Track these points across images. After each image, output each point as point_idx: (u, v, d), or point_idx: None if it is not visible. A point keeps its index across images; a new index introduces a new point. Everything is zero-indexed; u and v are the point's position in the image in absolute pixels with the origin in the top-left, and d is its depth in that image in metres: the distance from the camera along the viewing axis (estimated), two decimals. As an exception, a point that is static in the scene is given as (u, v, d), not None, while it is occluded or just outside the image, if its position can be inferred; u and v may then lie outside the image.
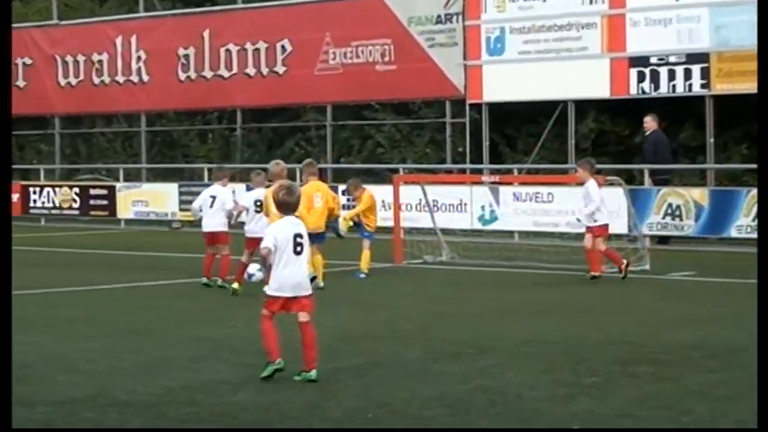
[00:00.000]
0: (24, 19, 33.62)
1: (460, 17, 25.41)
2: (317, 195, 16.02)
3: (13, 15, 34.21)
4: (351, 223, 17.62)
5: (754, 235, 17.89)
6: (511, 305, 14.36)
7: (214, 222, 16.14)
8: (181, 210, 26.89)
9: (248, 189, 18.54)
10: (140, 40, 30.48)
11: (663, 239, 21.56)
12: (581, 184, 17.28)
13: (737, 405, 8.36)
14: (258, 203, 15.51)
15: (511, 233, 23.27)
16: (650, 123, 22.54)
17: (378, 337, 11.71)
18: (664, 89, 22.71)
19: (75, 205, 29.44)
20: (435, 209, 21.93)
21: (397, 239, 19.58)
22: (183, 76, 29.89)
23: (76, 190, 29.64)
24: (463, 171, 25.52)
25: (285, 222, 9.73)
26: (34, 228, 28.46)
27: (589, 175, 16.86)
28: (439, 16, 25.80)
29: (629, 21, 22.99)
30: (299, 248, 9.58)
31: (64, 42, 31.78)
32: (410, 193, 22.01)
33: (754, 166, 15.61)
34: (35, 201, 30.25)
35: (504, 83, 24.75)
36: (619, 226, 20.43)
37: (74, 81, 31.67)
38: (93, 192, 29.26)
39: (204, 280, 15.79)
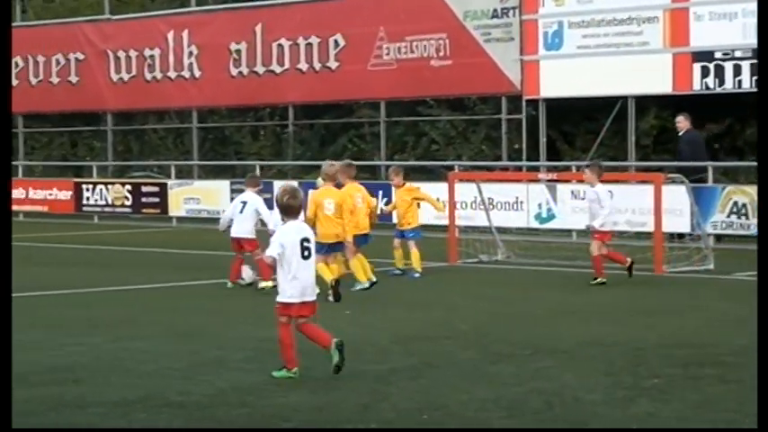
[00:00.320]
0: (76, 13, 33.98)
1: (517, 11, 25.33)
2: (357, 197, 16.05)
3: (64, 9, 34.72)
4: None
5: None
6: (568, 306, 14.30)
7: (241, 229, 16.17)
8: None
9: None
10: (192, 35, 30.69)
11: (718, 238, 21.34)
12: (584, 183, 17.13)
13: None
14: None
15: (568, 232, 23.16)
16: (683, 123, 22.48)
17: (433, 338, 11.71)
18: (729, 85, 22.49)
19: (128, 203, 29.70)
20: (491, 207, 21.89)
21: (452, 238, 19.57)
22: (234, 71, 30.05)
23: (129, 187, 29.90)
24: (519, 168, 25.44)
25: (291, 227, 9.83)
26: (87, 225, 28.76)
27: (597, 178, 16.63)
28: (495, 10, 25.73)
29: (692, 15, 22.79)
30: (306, 253, 9.69)
31: (116, 37, 32.07)
32: (465, 191, 22.00)
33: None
34: (88, 198, 30.56)
35: (562, 78, 24.65)
36: (682, 225, 20.28)
37: (126, 77, 31.94)
38: (145, 189, 29.52)
39: (229, 284, 15.89)
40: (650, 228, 18.79)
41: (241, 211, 16.22)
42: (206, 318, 13.45)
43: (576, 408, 8.49)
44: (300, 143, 29.88)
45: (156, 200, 29.20)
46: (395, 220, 18.06)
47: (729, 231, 21.16)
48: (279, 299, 9.75)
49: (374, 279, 15.68)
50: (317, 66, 28.64)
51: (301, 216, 15.65)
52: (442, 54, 26.63)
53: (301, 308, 9.71)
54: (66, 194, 31.09)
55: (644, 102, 24.19)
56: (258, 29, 29.55)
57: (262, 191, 17.26)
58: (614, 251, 16.78)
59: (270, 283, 14.80)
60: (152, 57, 31.43)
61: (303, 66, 28.89)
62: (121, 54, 31.94)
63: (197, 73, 30.76)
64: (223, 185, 27.87)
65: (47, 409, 8.44)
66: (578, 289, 15.90)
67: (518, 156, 25.86)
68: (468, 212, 22.56)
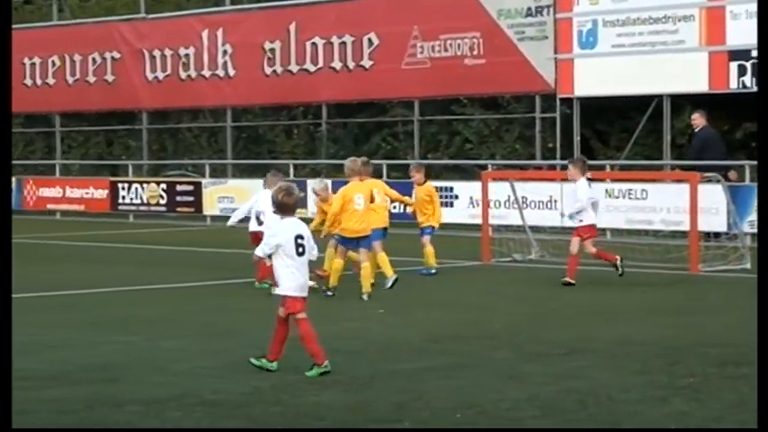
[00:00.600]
0: (112, 12, 34.15)
1: (551, 10, 25.27)
2: (375, 192, 16.17)
3: (101, 9, 34.92)
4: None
5: None
6: (602, 305, 14.26)
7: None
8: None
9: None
10: (226, 34, 30.79)
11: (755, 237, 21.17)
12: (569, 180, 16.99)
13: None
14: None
15: (603, 231, 23.08)
16: (699, 120, 22.45)
17: (466, 337, 11.71)
18: (766, 83, 22.32)
19: (163, 202, 29.85)
20: (524, 206, 21.84)
21: (485, 237, 19.55)
22: (268, 70, 30.13)
23: (164, 186, 30.05)
24: (553, 167, 25.37)
25: (287, 224, 9.94)
26: (123, 224, 28.92)
27: (580, 173, 16.49)
28: (529, 9, 25.67)
29: (728, 13, 22.66)
30: (300, 249, 9.82)
31: (151, 36, 32.22)
32: (499, 190, 21.95)
33: None
34: (123, 197, 30.74)
35: (597, 77, 24.57)
36: (718, 224, 20.17)
37: (161, 75, 32.08)
38: (179, 188, 29.66)
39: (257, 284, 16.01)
40: (686, 227, 18.71)
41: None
42: (240, 316, 13.52)
43: (610, 407, 8.48)
44: (334, 142, 29.92)
45: (191, 198, 29.34)
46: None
47: None
48: (283, 293, 9.86)
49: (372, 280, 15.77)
50: (351, 65, 28.68)
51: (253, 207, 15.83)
52: (475, 53, 26.60)
53: (302, 302, 9.90)
54: (102, 193, 31.29)
55: (679, 100, 24.07)
56: (292, 28, 29.62)
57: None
58: (602, 250, 16.52)
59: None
60: (187, 56, 31.56)
61: (337, 65, 28.93)
62: (156, 53, 32.08)
63: (231, 72, 30.87)
64: (257, 184, 27.74)
65: (84, 407, 8.50)
66: (612, 288, 15.85)
67: (552, 154, 25.80)
68: (501, 211, 22.52)
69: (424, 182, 18.06)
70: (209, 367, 10.09)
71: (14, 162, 35.02)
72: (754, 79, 22.34)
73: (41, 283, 16.67)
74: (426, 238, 17.47)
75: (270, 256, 9.96)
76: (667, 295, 15.18)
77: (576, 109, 25.12)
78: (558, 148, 25.50)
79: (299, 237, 9.84)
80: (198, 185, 29.32)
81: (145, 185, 30.44)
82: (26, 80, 34.59)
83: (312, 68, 29.39)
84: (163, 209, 29.90)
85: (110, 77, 33.02)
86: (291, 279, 9.81)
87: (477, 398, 8.77)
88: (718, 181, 19.11)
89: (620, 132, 25.42)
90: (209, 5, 32.77)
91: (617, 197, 22.88)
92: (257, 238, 16.22)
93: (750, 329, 12.04)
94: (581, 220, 16.32)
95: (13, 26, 35.50)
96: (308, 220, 15.29)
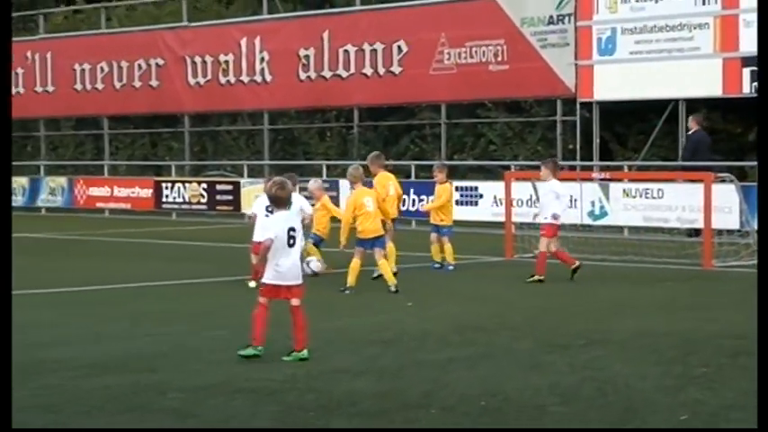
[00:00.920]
0: (156, 21, 34.33)
1: (572, 18, 25.21)
2: (389, 185, 16.35)
3: (146, 17, 35.10)
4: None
5: None
6: (621, 299, 14.22)
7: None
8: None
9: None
10: (264, 42, 30.88)
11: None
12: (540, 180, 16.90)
13: None
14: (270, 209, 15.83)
15: (620, 228, 23.04)
16: (693, 124, 22.76)
17: (490, 329, 11.71)
18: (777, 88, 22.20)
19: (203, 200, 29.98)
20: (546, 204, 21.76)
21: (508, 234, 19.53)
22: (303, 75, 30.20)
23: (204, 186, 30.17)
24: (573, 168, 25.31)
25: (280, 217, 10.08)
26: (166, 222, 29.07)
27: (551, 174, 16.35)
28: (551, 17, 25.62)
29: (742, 21, 22.53)
30: (291, 241, 9.96)
31: (193, 44, 32.35)
32: (521, 190, 21.95)
33: None
34: (167, 196, 30.89)
35: (615, 82, 24.50)
36: (731, 222, 20.08)
37: (202, 81, 32.21)
38: (219, 187, 29.78)
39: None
40: (700, 225, 18.63)
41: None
42: (276, 309, 13.53)
43: (628, 395, 8.46)
44: (365, 144, 29.93)
45: (230, 197, 29.44)
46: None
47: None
48: (265, 281, 10.03)
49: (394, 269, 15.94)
50: (381, 70, 28.70)
51: (298, 205, 15.83)
52: (499, 59, 26.56)
53: (289, 291, 10.02)
54: (146, 192, 31.44)
55: (694, 104, 23.95)
56: (325, 35, 29.67)
57: (300, 189, 17.46)
58: (562, 251, 16.31)
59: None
60: (226, 62, 31.66)
61: (368, 70, 28.96)
62: (198, 60, 32.21)
63: (268, 77, 30.95)
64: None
65: (131, 394, 8.55)
66: (629, 283, 15.81)
67: (572, 156, 25.74)
68: (523, 209, 22.48)
69: (446, 181, 18.01)
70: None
71: (66, 163, 35.37)
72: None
73: (91, 278, 16.79)
74: (445, 238, 17.43)
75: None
76: (682, 290, 15.12)
77: (595, 112, 25.05)
78: (578, 149, 25.43)
79: (291, 229, 10.01)
80: (236, 185, 29.41)
81: (187, 185, 30.57)
82: (77, 85, 34.79)
83: (344, 74, 29.43)
84: (204, 207, 30.02)
85: (154, 83, 33.17)
86: (277, 267, 9.93)
87: (501, 386, 8.77)
88: (731, 181, 19.01)
89: (637, 134, 25.33)
90: (247, 14, 32.87)
91: (634, 196, 22.81)
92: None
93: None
94: (545, 218, 16.10)
95: (65, 34, 35.90)
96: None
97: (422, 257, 17.83)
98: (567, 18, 25.37)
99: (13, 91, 36.15)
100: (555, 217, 16.04)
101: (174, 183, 30.93)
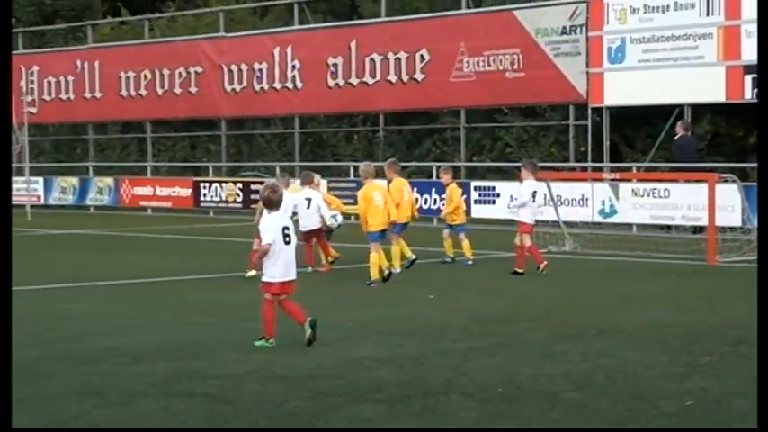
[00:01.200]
0: (196, 31, 34.41)
1: (584, 28, 25.12)
2: (404, 190, 16.49)
3: (186, 28, 35.21)
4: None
5: None
6: (630, 292, 14.15)
7: (312, 222, 16.44)
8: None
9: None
10: (295, 51, 30.90)
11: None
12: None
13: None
14: (308, 200, 16.32)
15: (629, 226, 22.95)
16: (679, 129, 22.96)
17: (507, 320, 11.68)
18: (777, 94, 22.06)
19: (239, 199, 30.06)
20: (559, 203, 21.73)
21: (524, 231, 19.44)
22: (332, 82, 30.21)
23: (240, 185, 30.24)
24: (585, 169, 25.22)
25: (274, 218, 10.18)
26: (204, 219, 29.15)
27: (530, 175, 16.28)
28: (564, 28, 25.53)
29: (744, 32, 22.39)
30: (287, 239, 10.08)
31: (229, 53, 32.40)
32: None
33: None
34: (205, 195, 30.99)
35: (624, 88, 24.41)
36: (734, 220, 19.97)
37: (237, 88, 32.26)
38: (253, 187, 29.79)
39: (309, 269, 16.17)
40: (704, 222, 18.53)
41: (308, 207, 16.45)
42: (308, 300, 13.54)
43: (637, 382, 8.42)
44: (390, 146, 29.92)
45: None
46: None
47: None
48: (263, 279, 10.15)
49: (413, 256, 16.24)
50: (405, 77, 28.67)
51: (293, 204, 15.94)
52: (515, 67, 26.49)
53: (283, 286, 10.12)
54: (186, 192, 31.54)
55: (699, 109, 23.83)
56: (353, 45, 29.67)
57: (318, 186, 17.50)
58: (536, 249, 16.17)
59: (254, 273, 15.09)
60: (260, 70, 31.70)
61: (393, 77, 28.94)
62: (234, 68, 32.26)
63: (299, 84, 30.97)
64: (321, 183, 27.95)
65: (172, 381, 8.57)
66: (638, 277, 15.74)
67: (584, 157, 25.64)
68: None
69: (452, 182, 17.92)
70: (280, 345, 10.12)
71: (113, 164, 35.52)
72: (766, 90, 22.07)
73: (135, 271, 16.86)
74: (462, 235, 17.41)
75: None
76: (687, 283, 15.04)
77: (605, 117, 24.96)
78: (590, 152, 25.34)
79: (286, 228, 10.14)
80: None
81: (223, 185, 30.65)
82: (122, 92, 34.92)
83: (370, 81, 29.42)
84: (239, 205, 30.08)
85: (193, 89, 33.26)
86: (276, 268, 10.05)
87: (517, 374, 8.75)
88: (733, 181, 18.90)
89: (645, 138, 25.21)
90: (280, 25, 32.91)
91: (642, 196, 22.73)
92: (311, 235, 16.43)
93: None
94: (519, 216, 16.14)
95: (112, 44, 36.03)
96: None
97: (443, 253, 17.80)
98: (579, 29, 25.28)
99: (64, 97, 36.39)
100: (519, 209, 16.15)
101: (211, 183, 31.01)
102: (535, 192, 16.22)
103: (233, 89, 32.36)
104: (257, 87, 31.78)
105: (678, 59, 23.55)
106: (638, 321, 11.47)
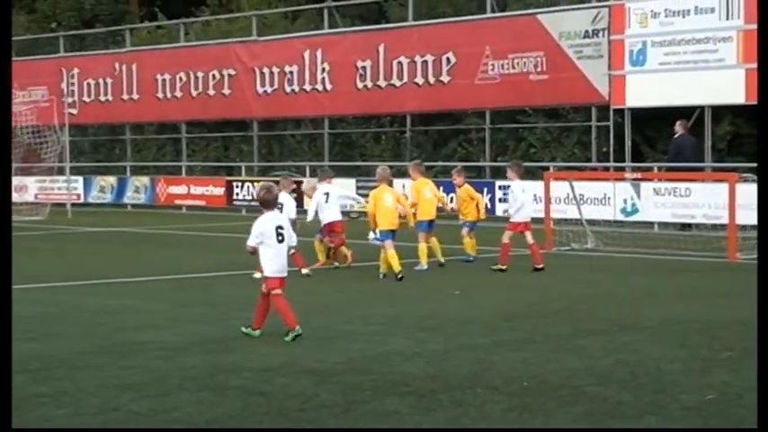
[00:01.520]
0: (229, 35, 34.49)
1: (606, 32, 25.01)
2: (426, 189, 16.56)
3: (219, 32, 35.31)
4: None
5: None
6: (651, 289, 14.08)
7: (331, 214, 16.47)
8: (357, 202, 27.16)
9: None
10: (325, 54, 30.93)
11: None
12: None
13: None
14: (326, 194, 16.47)
15: (651, 224, 22.83)
16: (678, 128, 23.07)
17: (531, 315, 11.64)
18: (797, 97, 21.88)
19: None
20: (582, 202, 21.66)
21: (547, 229, 19.42)
22: (360, 85, 30.21)
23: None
24: (607, 169, 25.12)
25: (268, 217, 10.34)
26: (236, 217, 29.20)
27: (516, 176, 16.30)
28: (587, 31, 25.43)
29: (764, 35, 22.24)
30: (280, 238, 10.24)
31: (261, 56, 32.46)
32: (559, 189, 21.82)
33: None
34: (237, 194, 31.08)
35: (646, 90, 24.29)
36: (754, 218, 19.80)
37: (269, 90, 32.33)
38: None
39: (335, 264, 16.18)
40: (725, 221, 18.41)
41: (326, 201, 16.50)
42: (339, 296, 13.59)
43: (658, 377, 8.37)
44: (416, 147, 29.90)
45: (294, 195, 29.41)
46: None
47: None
48: (266, 274, 10.32)
49: (442, 261, 16.20)
50: (432, 80, 28.64)
51: (287, 205, 16.00)
52: (539, 69, 26.40)
53: (283, 281, 10.31)
54: (219, 191, 31.64)
55: (719, 110, 23.67)
56: (381, 48, 29.66)
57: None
58: (507, 249, 16.00)
59: (308, 271, 15.33)
60: (291, 72, 31.74)
61: (419, 80, 28.91)
62: (266, 70, 32.32)
63: (329, 86, 31.00)
64: (350, 183, 28.00)
65: (206, 374, 8.60)
66: (659, 274, 15.65)
67: (606, 157, 25.52)
68: (561, 206, 22.36)
69: (463, 184, 17.86)
70: (311, 340, 10.13)
71: (149, 164, 35.69)
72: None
73: (171, 267, 16.93)
74: (465, 231, 17.36)
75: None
76: (708, 280, 14.94)
77: (627, 118, 24.83)
78: (612, 152, 25.22)
79: (279, 227, 10.29)
80: (299, 184, 29.42)
81: (255, 184, 30.67)
82: (158, 93, 35.07)
83: (398, 83, 29.40)
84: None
85: (227, 91, 33.35)
86: (273, 263, 10.22)
87: (541, 368, 8.72)
88: (753, 180, 18.74)
89: (666, 138, 25.04)
90: (310, 29, 32.95)
91: (663, 195, 22.61)
92: (332, 227, 16.48)
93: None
94: (507, 212, 16.24)
95: (148, 47, 36.18)
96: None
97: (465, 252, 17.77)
98: (601, 32, 25.17)
99: (103, 99, 36.57)
100: (509, 212, 16.23)
101: (243, 182, 31.09)
102: (524, 190, 16.34)
103: (265, 91, 32.43)
104: (288, 89, 31.83)
105: (698, 62, 23.40)
106: (659, 317, 11.40)
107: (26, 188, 35.37)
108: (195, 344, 9.98)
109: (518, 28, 26.76)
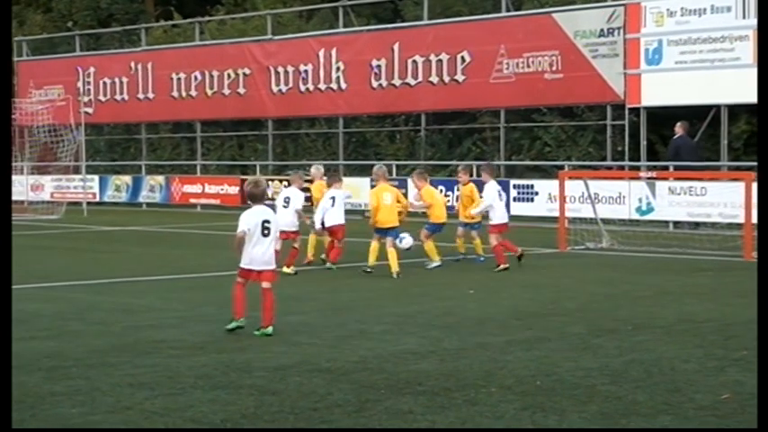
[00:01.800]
0: (244, 34, 34.57)
1: (622, 31, 24.95)
2: (436, 194, 17.09)
3: (235, 31, 35.38)
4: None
5: None
6: (666, 288, 14.03)
7: (335, 217, 16.46)
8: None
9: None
10: (339, 53, 30.95)
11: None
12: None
13: None
14: (332, 198, 16.44)
15: (665, 223, 22.77)
16: (677, 129, 23.21)
17: (545, 314, 11.62)
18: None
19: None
20: (596, 201, 21.62)
21: (561, 228, 19.38)
22: (375, 84, 30.22)
23: (285, 183, 30.24)
24: (622, 168, 25.07)
25: (255, 211, 10.51)
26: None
27: (490, 177, 16.34)
28: (602, 30, 25.37)
29: (780, 34, 22.14)
30: (266, 231, 10.40)
31: (276, 55, 32.52)
32: (574, 188, 21.78)
33: None
34: (251, 192, 31.08)
35: (661, 89, 24.23)
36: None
37: (284, 89, 32.38)
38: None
39: (332, 266, 16.23)
40: (741, 220, 18.33)
41: (333, 205, 16.51)
42: (352, 296, 13.59)
43: (673, 376, 8.34)
44: (431, 146, 29.90)
45: (308, 194, 29.44)
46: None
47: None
48: (240, 264, 10.51)
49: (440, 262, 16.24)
50: (446, 79, 28.62)
51: (294, 197, 16.28)
52: (554, 68, 26.36)
53: (259, 275, 10.43)
54: (234, 189, 31.69)
55: (736, 110, 23.58)
56: (396, 47, 29.66)
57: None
58: (508, 241, 16.28)
59: (290, 270, 15.39)
60: (306, 71, 31.78)
61: (434, 79, 28.90)
62: (281, 69, 32.37)
63: (343, 85, 31.02)
64: (364, 182, 28.03)
65: (219, 373, 8.60)
66: (674, 273, 15.60)
67: (621, 156, 25.47)
68: (576, 205, 22.32)
69: (468, 182, 17.80)
70: (324, 339, 10.14)
71: (164, 163, 35.78)
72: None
73: (186, 266, 16.96)
74: (474, 232, 17.34)
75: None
76: (723, 279, 14.88)
77: (642, 117, 24.77)
78: (627, 151, 25.17)
79: (266, 221, 10.45)
80: (311, 182, 29.42)
81: (270, 183, 30.70)
82: (173, 92, 35.16)
83: (412, 82, 29.40)
84: (284, 203, 30.07)
85: (242, 90, 33.41)
86: (249, 254, 10.39)
87: (555, 367, 8.69)
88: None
89: (682, 137, 24.98)
90: (325, 28, 32.98)
91: (679, 194, 22.54)
92: (333, 230, 16.48)
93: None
94: (490, 219, 16.17)
95: (164, 46, 36.29)
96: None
97: (483, 249, 17.75)
98: (616, 31, 25.11)
99: (118, 98, 36.70)
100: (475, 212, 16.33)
101: (258, 181, 31.08)
102: (499, 191, 16.33)
103: (279, 90, 32.47)
104: (303, 88, 31.87)
105: (714, 61, 23.32)
106: (674, 315, 11.37)
107: (42, 187, 35.52)
108: (209, 343, 9.99)
109: (533, 27, 26.72)
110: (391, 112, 30.53)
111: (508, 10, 27.78)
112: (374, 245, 15.76)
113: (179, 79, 34.93)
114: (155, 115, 35.95)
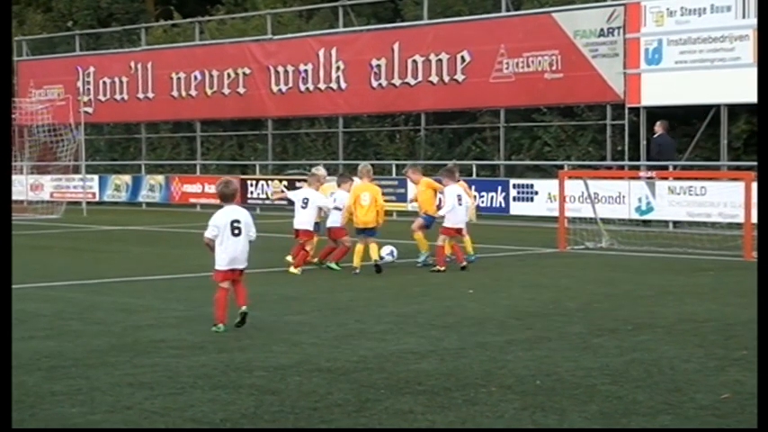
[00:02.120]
0: (244, 34, 34.59)
1: (622, 30, 24.95)
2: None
3: (235, 31, 35.39)
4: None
5: None
6: (666, 287, 14.02)
7: (334, 220, 16.47)
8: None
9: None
10: (339, 53, 30.96)
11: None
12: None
13: None
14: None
15: (665, 223, 22.76)
16: (658, 128, 23.42)
17: (545, 314, 11.61)
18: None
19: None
20: (596, 200, 21.61)
21: (561, 228, 19.37)
22: (375, 83, 30.23)
23: (285, 183, 30.28)
24: (622, 167, 25.07)
25: (225, 211, 10.63)
26: (251, 216, 29.22)
27: (450, 181, 16.31)
28: (602, 30, 25.37)
29: (780, 34, 22.15)
30: (236, 231, 10.50)
31: (276, 54, 32.53)
32: (574, 187, 21.77)
33: None
34: (252, 192, 31.12)
35: (661, 89, 24.23)
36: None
37: (284, 88, 32.39)
38: (299, 185, 29.78)
39: (334, 266, 16.23)
40: (741, 219, 18.32)
41: (335, 208, 16.55)
42: (352, 295, 13.58)
43: (673, 376, 8.33)
44: (431, 145, 29.90)
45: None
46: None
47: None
48: (215, 267, 10.57)
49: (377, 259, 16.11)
50: (446, 78, 28.63)
51: (312, 197, 16.28)
52: (554, 68, 26.36)
53: (226, 274, 10.56)
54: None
55: (735, 109, 23.57)
56: (396, 47, 29.66)
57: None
58: (460, 250, 16.15)
59: (297, 271, 15.46)
60: (306, 71, 31.79)
61: (434, 78, 28.90)
62: (281, 69, 32.38)
63: (343, 85, 31.02)
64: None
65: (219, 373, 8.59)
66: (674, 273, 15.59)
67: (620, 156, 25.48)
68: (575, 205, 22.32)
69: (419, 179, 17.66)
70: (324, 338, 10.13)
71: (164, 162, 35.79)
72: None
73: (186, 265, 16.95)
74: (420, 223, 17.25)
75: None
76: (723, 278, 14.87)
77: (642, 117, 24.77)
78: (627, 151, 25.18)
79: (235, 221, 10.56)
80: (314, 182, 29.43)
81: (270, 182, 30.74)
82: (173, 92, 35.17)
83: (413, 82, 29.40)
84: (285, 202, 30.05)
85: (242, 90, 33.42)
86: (223, 256, 10.50)
87: (555, 367, 8.69)
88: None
89: (681, 137, 24.99)
90: (325, 28, 32.98)
91: (679, 194, 22.53)
92: (331, 232, 16.47)
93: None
94: (442, 217, 16.16)
95: (164, 46, 36.30)
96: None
97: (482, 248, 17.75)
98: (616, 30, 25.11)
99: (118, 97, 36.71)
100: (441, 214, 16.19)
101: (258, 180, 31.13)
102: (459, 195, 16.20)
103: (279, 90, 32.48)
104: (303, 88, 31.87)
105: (714, 61, 23.32)
106: (674, 315, 11.36)
107: (42, 187, 35.51)
108: (209, 342, 9.98)
109: (533, 26, 26.72)
110: (391, 112, 30.54)
111: (508, 10, 27.78)
112: (359, 246, 15.76)
113: (179, 79, 34.94)
114: (154, 115, 35.95)
